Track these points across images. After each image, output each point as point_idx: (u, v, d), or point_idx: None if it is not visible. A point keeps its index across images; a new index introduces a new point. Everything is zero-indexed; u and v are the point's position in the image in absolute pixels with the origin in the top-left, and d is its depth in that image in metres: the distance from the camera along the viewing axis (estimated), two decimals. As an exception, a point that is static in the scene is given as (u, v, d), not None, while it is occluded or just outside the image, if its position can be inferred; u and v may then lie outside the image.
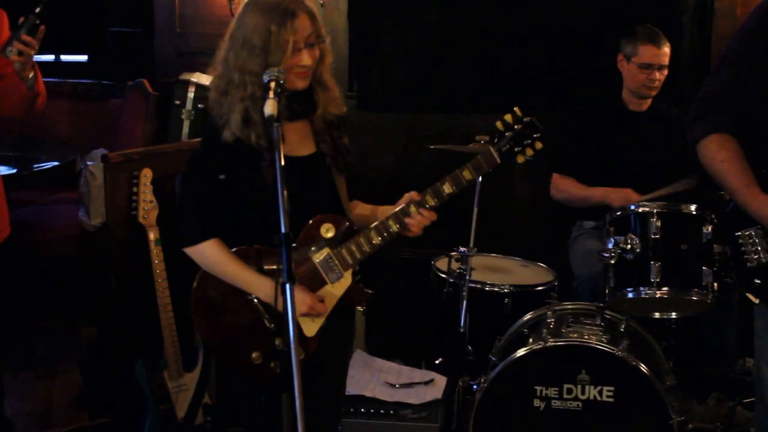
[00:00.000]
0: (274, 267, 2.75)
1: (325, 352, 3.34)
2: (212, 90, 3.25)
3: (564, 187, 5.28)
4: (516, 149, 3.31)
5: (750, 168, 3.36)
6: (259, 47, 3.08)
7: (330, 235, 3.26)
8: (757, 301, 3.41)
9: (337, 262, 3.26)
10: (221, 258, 3.23)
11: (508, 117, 3.32)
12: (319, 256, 3.26)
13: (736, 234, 3.44)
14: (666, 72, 5.22)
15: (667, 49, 5.19)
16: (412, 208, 3.24)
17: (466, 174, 3.27)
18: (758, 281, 3.37)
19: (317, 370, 3.33)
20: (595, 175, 5.18)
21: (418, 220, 3.24)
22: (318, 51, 3.19)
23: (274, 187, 3.05)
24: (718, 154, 3.38)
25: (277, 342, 3.24)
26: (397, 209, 3.26)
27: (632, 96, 5.27)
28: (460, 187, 3.27)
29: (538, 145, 3.33)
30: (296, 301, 3.12)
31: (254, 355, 3.26)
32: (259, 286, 3.21)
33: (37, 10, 3.96)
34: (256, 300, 3.23)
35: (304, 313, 3.21)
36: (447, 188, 3.28)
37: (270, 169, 3.13)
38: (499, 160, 3.30)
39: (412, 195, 3.27)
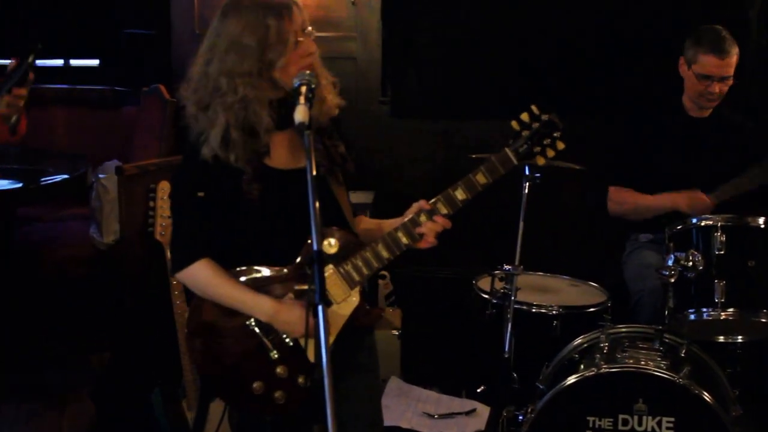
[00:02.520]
0: (305, 287, 2.72)
1: (346, 381, 3.29)
2: (188, 105, 3.24)
3: (622, 198, 5.24)
4: (535, 149, 3.29)
5: None
6: (252, 46, 3.11)
7: (334, 251, 3.18)
8: None
9: (342, 280, 3.24)
10: (213, 279, 3.22)
11: (524, 115, 3.30)
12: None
13: None
14: (730, 82, 5.10)
15: (732, 59, 5.06)
16: (423, 218, 3.23)
17: (480, 178, 3.27)
18: None
19: (344, 401, 3.30)
20: (652, 187, 5.15)
21: (430, 228, 3.23)
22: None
23: (261, 202, 3.13)
24: None
25: (278, 370, 3.23)
26: (406, 219, 3.25)
27: (692, 103, 5.23)
28: (474, 192, 3.27)
29: (560, 145, 3.32)
30: (293, 320, 3.17)
31: (256, 385, 3.24)
32: (258, 306, 3.18)
33: (30, 58, 3.98)
34: (254, 325, 3.22)
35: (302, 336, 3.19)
36: (460, 194, 3.27)
37: (253, 183, 3.16)
38: (515, 162, 3.28)
39: (422, 204, 3.26)
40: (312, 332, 3.10)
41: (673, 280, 4.44)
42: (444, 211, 3.26)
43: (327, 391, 2.58)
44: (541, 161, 3.33)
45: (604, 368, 4.20)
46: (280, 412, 3.22)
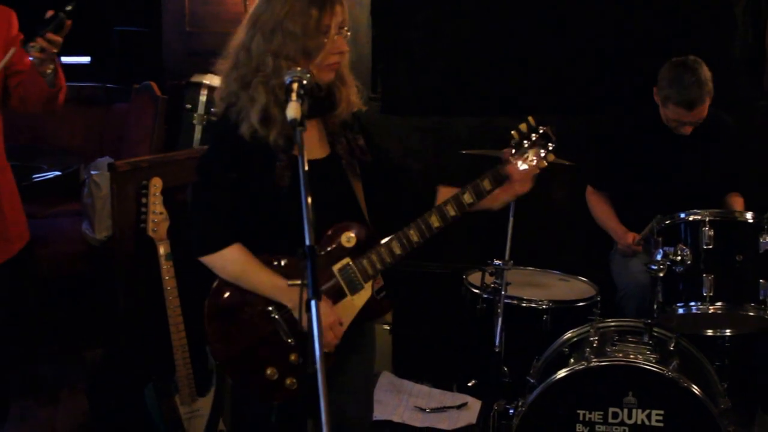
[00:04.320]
0: (299, 282, 2.73)
1: (343, 368, 3.35)
2: (228, 81, 3.26)
3: (592, 203, 5.41)
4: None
5: None
6: (296, 33, 3.12)
7: (351, 244, 3.28)
8: None
9: (357, 272, 3.29)
10: (247, 264, 3.22)
11: (522, 126, 3.42)
12: (338, 266, 3.29)
13: None
14: (704, 114, 5.04)
15: (703, 106, 4.99)
16: (434, 216, 3.29)
17: (486, 184, 3.36)
18: None
19: (335, 388, 3.33)
20: (627, 193, 5.17)
21: None
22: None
23: (289, 191, 3.11)
24: None
25: (292, 357, 3.26)
26: (419, 218, 3.30)
27: None
28: (481, 197, 3.35)
29: (551, 157, 3.44)
30: (325, 312, 3.17)
31: (269, 371, 3.26)
32: (287, 293, 3.19)
33: (68, 7, 3.98)
34: (273, 312, 3.24)
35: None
36: (467, 198, 3.35)
37: (286, 170, 3.17)
38: (519, 170, 3.40)
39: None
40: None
41: (661, 275, 4.46)
42: (452, 212, 3.34)
43: (320, 386, 2.59)
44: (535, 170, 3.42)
45: (594, 362, 4.22)
46: (290, 398, 3.23)
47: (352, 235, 3.27)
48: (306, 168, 2.76)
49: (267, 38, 3.14)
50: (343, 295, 3.30)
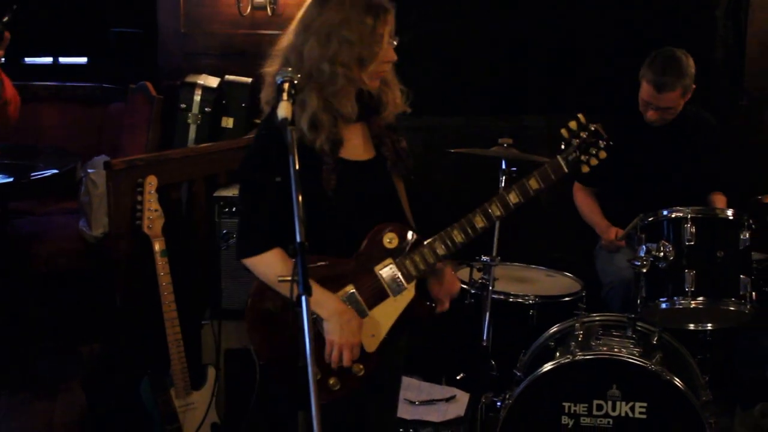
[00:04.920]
0: (289, 277, 2.72)
1: (384, 369, 3.35)
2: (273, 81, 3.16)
3: (578, 198, 5.43)
4: (582, 158, 3.37)
5: None
6: (352, 40, 3.10)
7: (393, 245, 3.26)
8: None
9: (399, 274, 3.26)
10: (286, 270, 3.11)
11: (572, 124, 3.36)
12: (381, 268, 3.26)
13: None
14: (673, 111, 5.08)
15: (672, 94, 5.01)
16: (478, 217, 3.27)
17: (533, 183, 3.32)
18: None
19: (376, 387, 3.36)
20: (615, 186, 5.19)
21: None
22: None
23: (335, 193, 3.11)
24: None
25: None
26: (463, 219, 3.28)
27: None
28: (527, 197, 3.31)
29: (602, 154, 3.39)
30: (353, 328, 3.17)
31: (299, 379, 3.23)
32: (324, 302, 3.17)
33: (5, 18, 3.94)
34: (315, 316, 3.18)
35: (345, 343, 3.18)
36: (513, 198, 3.32)
37: (332, 173, 3.15)
38: (566, 170, 3.35)
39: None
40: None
41: (645, 270, 4.47)
42: (497, 212, 3.32)
43: (311, 379, 2.61)
44: (585, 169, 3.40)
45: (579, 355, 4.23)
46: (333, 398, 3.20)
47: (394, 235, 3.25)
48: (297, 167, 2.76)
49: (322, 44, 3.11)
50: (385, 296, 3.27)
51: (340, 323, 3.17)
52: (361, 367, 3.25)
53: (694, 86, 5.05)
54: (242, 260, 3.26)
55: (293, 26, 3.21)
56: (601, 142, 3.36)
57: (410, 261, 3.25)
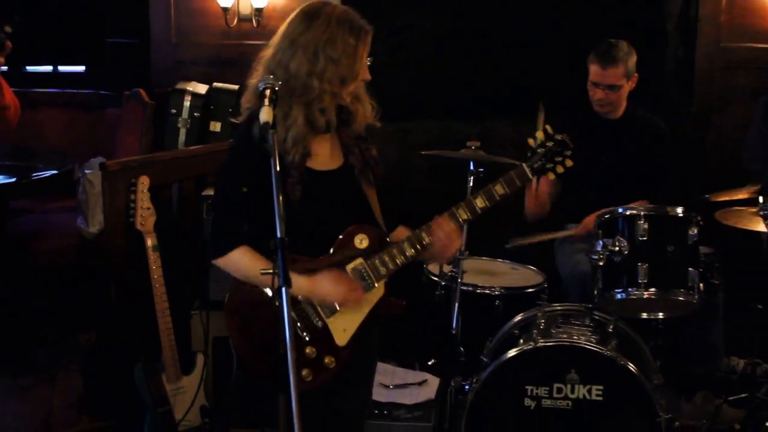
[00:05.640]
0: (270, 270, 2.72)
1: (355, 362, 3.32)
2: (253, 95, 3.15)
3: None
4: (547, 166, 3.35)
5: None
6: (337, 58, 3.08)
7: (364, 245, 3.24)
8: None
9: (369, 272, 3.24)
10: (252, 262, 3.14)
11: (539, 134, 3.35)
12: (351, 266, 3.24)
13: None
14: (619, 91, 5.15)
15: (616, 70, 5.08)
16: (423, 235, 3.25)
17: (499, 189, 3.32)
18: None
19: (348, 379, 3.34)
20: (571, 182, 5.20)
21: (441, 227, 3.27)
22: None
23: (300, 204, 3.08)
24: None
25: (307, 351, 3.21)
26: (431, 222, 3.27)
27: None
28: (493, 201, 3.31)
29: (568, 162, 3.37)
30: (329, 291, 3.16)
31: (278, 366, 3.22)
32: (296, 284, 3.05)
33: (8, 29, 3.91)
34: (291, 311, 3.17)
35: (343, 300, 3.18)
36: (480, 203, 3.32)
37: (297, 185, 3.11)
38: (531, 176, 3.35)
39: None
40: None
41: (601, 264, 4.49)
42: (464, 216, 3.31)
43: (290, 365, 2.61)
44: (551, 176, 3.40)
45: (541, 342, 4.25)
46: (305, 388, 3.14)
47: (365, 236, 3.24)
48: (278, 168, 2.76)
49: (310, 60, 3.07)
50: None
51: (321, 293, 3.18)
52: (333, 359, 3.24)
53: (636, 75, 5.14)
54: (213, 261, 3.24)
55: (277, 40, 3.16)
56: (566, 151, 3.34)
57: (380, 261, 3.23)
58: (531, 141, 3.34)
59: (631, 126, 5.26)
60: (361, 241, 3.24)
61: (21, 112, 4.30)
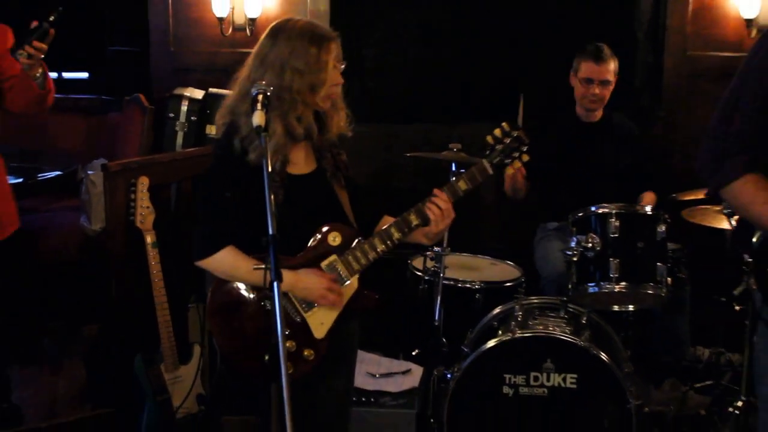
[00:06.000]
0: (262, 265, 2.73)
1: (335, 353, 3.31)
2: (235, 111, 3.17)
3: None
4: (506, 161, 3.32)
5: None
6: (303, 69, 3.08)
7: (337, 242, 3.24)
8: None
9: (343, 267, 3.24)
10: (236, 262, 3.15)
11: (497, 131, 3.31)
12: (326, 263, 3.24)
13: None
14: (610, 87, 5.19)
15: (609, 66, 5.15)
16: (412, 216, 3.24)
17: (462, 184, 3.28)
18: None
19: (328, 370, 3.34)
20: (548, 181, 5.20)
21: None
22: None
23: (282, 207, 3.06)
24: (759, 195, 2.91)
25: (288, 344, 3.19)
26: (399, 218, 3.27)
27: (581, 109, 5.28)
28: (456, 196, 3.27)
29: (525, 157, 3.34)
30: (310, 285, 3.17)
31: (267, 357, 3.20)
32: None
33: (51, 18, 3.96)
34: (268, 306, 3.16)
35: (322, 296, 3.19)
36: (444, 198, 3.28)
37: (279, 189, 3.12)
38: (491, 172, 3.31)
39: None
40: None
41: (575, 259, 4.50)
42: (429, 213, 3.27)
43: (281, 355, 2.60)
44: (510, 171, 3.38)
45: (518, 333, 4.25)
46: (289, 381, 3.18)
47: (338, 234, 3.23)
48: (270, 169, 2.77)
49: (278, 75, 3.08)
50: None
51: (303, 287, 3.19)
52: (312, 352, 3.23)
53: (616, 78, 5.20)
54: (197, 263, 3.24)
55: (250, 60, 3.19)
56: (522, 146, 3.31)
57: (352, 256, 3.23)
58: (489, 138, 3.32)
59: (609, 129, 5.28)
60: (335, 239, 3.24)
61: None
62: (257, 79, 3.09)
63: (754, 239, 3.06)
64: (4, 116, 4.49)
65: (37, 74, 4.13)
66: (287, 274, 3.11)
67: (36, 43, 3.97)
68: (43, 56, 4.05)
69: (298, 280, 3.18)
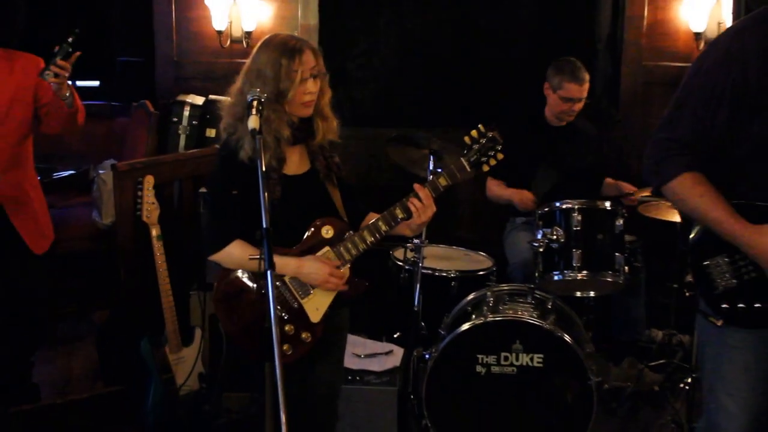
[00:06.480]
0: (258, 256, 2.72)
1: (328, 335, 3.32)
2: (229, 116, 3.22)
3: (491, 188, 5.29)
4: (482, 159, 3.29)
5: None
6: (271, 77, 3.09)
7: (329, 235, 3.24)
8: (719, 323, 3.04)
9: (335, 257, 3.23)
10: (243, 254, 3.16)
11: (474, 132, 3.29)
12: (319, 253, 3.24)
13: (704, 263, 3.04)
14: (584, 101, 5.19)
15: (587, 85, 5.14)
16: (398, 211, 3.23)
17: (442, 181, 3.26)
18: (725, 305, 3.02)
19: (323, 351, 3.34)
20: (521, 180, 5.19)
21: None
22: (319, 83, 3.20)
23: (280, 202, 3.09)
24: (695, 189, 2.95)
25: (287, 328, 3.21)
26: (386, 212, 3.25)
27: (553, 116, 5.27)
28: (437, 192, 3.25)
29: (499, 156, 3.31)
30: (314, 270, 3.16)
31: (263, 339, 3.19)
32: (286, 265, 3.15)
33: (70, 39, 3.97)
34: (286, 277, 3.19)
35: (325, 281, 3.18)
36: (427, 192, 3.26)
37: (276, 185, 3.13)
38: (469, 169, 3.28)
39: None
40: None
41: (541, 250, 4.50)
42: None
43: (274, 335, 2.59)
44: (485, 168, 3.33)
45: (490, 317, 4.25)
46: (286, 361, 3.10)
47: (330, 227, 3.24)
48: (264, 168, 2.78)
49: (253, 83, 3.11)
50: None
51: (307, 272, 3.18)
52: (309, 334, 3.24)
53: None
54: (209, 257, 3.24)
55: (240, 73, 3.22)
56: (497, 146, 3.29)
57: (344, 248, 3.22)
58: (467, 139, 3.30)
59: (574, 132, 5.27)
60: (327, 232, 3.24)
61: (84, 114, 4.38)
62: (242, 88, 3.15)
63: (692, 235, 3.08)
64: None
65: (66, 93, 4.12)
66: (292, 261, 3.15)
67: (60, 62, 3.97)
68: (67, 75, 4.03)
69: (303, 266, 3.18)
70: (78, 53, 4.03)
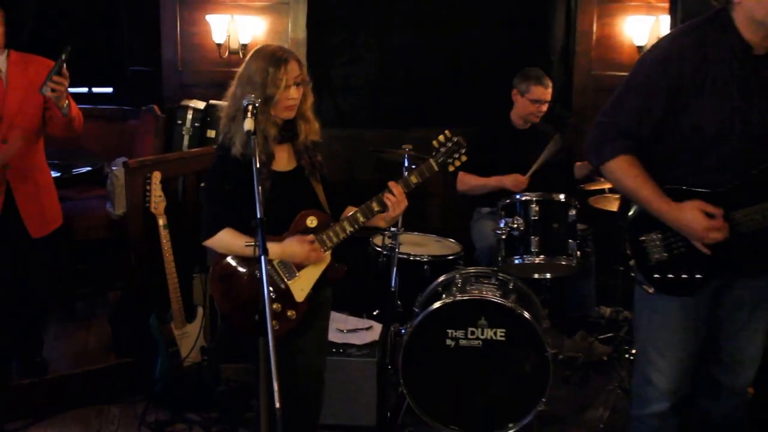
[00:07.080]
0: (252, 242, 2.70)
1: (312, 314, 3.30)
2: (223, 117, 3.21)
3: (467, 180, 5.20)
4: (448, 161, 3.30)
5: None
6: (259, 83, 3.07)
7: (313, 224, 3.22)
8: (651, 291, 3.13)
9: (318, 245, 3.20)
10: (234, 239, 3.13)
11: (441, 137, 3.31)
12: None
13: (641, 238, 3.13)
14: (548, 104, 5.22)
15: (551, 89, 5.18)
16: (374, 204, 3.22)
17: (413, 178, 3.26)
18: (657, 275, 3.11)
19: (307, 327, 3.32)
20: (485, 175, 5.16)
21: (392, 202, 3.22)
22: (302, 90, 3.18)
23: (271, 195, 3.07)
24: (630, 171, 3.03)
25: (275, 306, 3.19)
26: (364, 205, 3.25)
27: (520, 119, 5.25)
28: (408, 188, 3.25)
29: (464, 158, 3.33)
30: (296, 248, 3.14)
31: (257, 317, 3.15)
32: (272, 249, 3.04)
33: (63, 56, 3.91)
34: (259, 275, 3.14)
35: (306, 257, 3.16)
36: (399, 189, 3.25)
37: (266, 180, 3.11)
38: (437, 169, 3.30)
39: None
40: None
41: (504, 237, 4.48)
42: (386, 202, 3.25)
43: (267, 314, 2.56)
44: (451, 168, 3.34)
45: (458, 297, 4.23)
46: (275, 336, 3.11)
47: (314, 218, 3.22)
48: (258, 165, 2.78)
49: (243, 88, 3.10)
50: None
51: (290, 253, 3.17)
52: (294, 312, 3.22)
53: None
54: (203, 243, 3.22)
55: (234, 80, 3.20)
56: (462, 149, 3.31)
57: (326, 236, 3.20)
58: (435, 142, 3.32)
59: (536, 133, 5.26)
60: (312, 221, 3.22)
61: (83, 120, 4.31)
62: (235, 92, 3.14)
63: (630, 213, 3.17)
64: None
65: (64, 104, 4.09)
66: (275, 245, 3.11)
67: (56, 78, 3.92)
68: (64, 88, 3.99)
69: (285, 248, 3.16)
70: (65, 71, 3.96)
